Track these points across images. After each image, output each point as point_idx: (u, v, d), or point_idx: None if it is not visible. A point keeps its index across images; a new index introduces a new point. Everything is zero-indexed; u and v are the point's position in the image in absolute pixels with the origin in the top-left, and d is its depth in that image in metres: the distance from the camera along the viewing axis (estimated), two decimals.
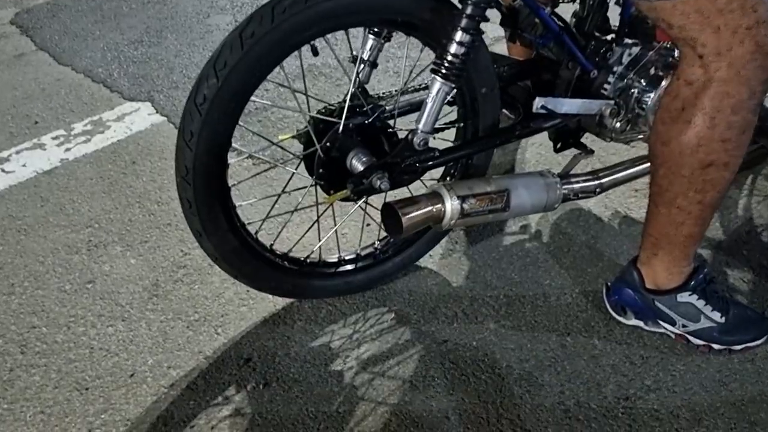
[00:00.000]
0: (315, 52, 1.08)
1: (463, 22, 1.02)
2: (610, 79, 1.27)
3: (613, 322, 1.30)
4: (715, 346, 1.25)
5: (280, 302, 1.33)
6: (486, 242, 1.49)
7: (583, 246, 1.48)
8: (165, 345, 1.25)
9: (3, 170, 1.69)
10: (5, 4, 2.57)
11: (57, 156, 1.74)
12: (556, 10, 1.26)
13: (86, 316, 1.30)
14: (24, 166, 1.70)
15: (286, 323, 1.29)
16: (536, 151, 1.76)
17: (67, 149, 1.77)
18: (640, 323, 1.29)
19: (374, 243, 1.34)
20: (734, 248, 1.48)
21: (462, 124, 1.24)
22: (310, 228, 1.32)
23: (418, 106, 1.17)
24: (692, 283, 1.23)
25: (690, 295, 1.23)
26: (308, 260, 1.28)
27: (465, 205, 1.08)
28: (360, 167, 1.10)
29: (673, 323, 1.25)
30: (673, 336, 1.27)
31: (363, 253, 1.33)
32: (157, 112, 1.92)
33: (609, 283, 1.31)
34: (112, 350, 1.24)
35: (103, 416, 1.13)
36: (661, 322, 1.27)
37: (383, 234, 1.33)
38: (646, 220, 1.19)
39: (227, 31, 2.31)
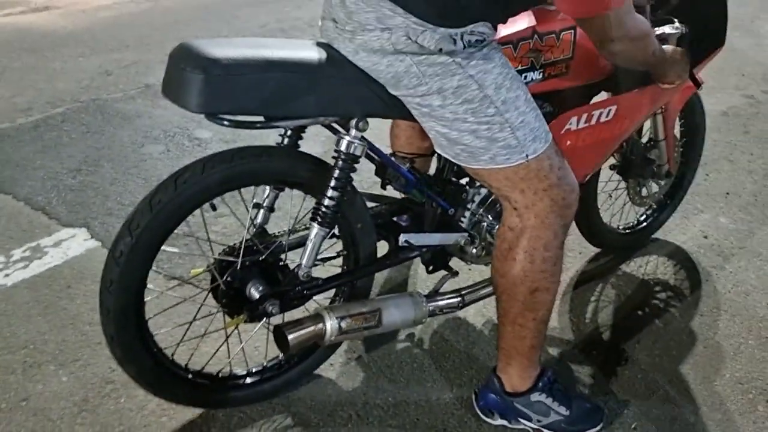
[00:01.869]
0: (213, 207, 1.34)
1: (333, 181, 1.32)
2: (466, 214, 1.59)
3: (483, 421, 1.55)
4: None
5: (197, 411, 1.52)
6: (380, 350, 1.74)
7: (462, 352, 1.75)
8: None
9: None
10: None
11: None
12: None
13: (20, 431, 1.46)
14: None
15: (203, 431, 1.48)
16: None
17: (6, 275, 1.95)
18: (505, 422, 1.53)
19: (279, 356, 1.57)
20: (586, 348, 1.78)
21: (346, 253, 1.52)
22: (218, 349, 1.54)
23: (305, 241, 1.42)
24: (540, 384, 1.50)
25: (540, 394, 1.50)
26: (220, 374, 1.49)
27: (343, 324, 1.34)
28: (256, 296, 1.35)
29: (530, 419, 1.51)
30: (531, 431, 1.52)
31: (269, 365, 1.55)
32: (92, 237, 2.14)
33: (477, 390, 1.57)
34: None
35: None
36: (521, 420, 1.52)
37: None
38: (498, 337, 1.47)
39: (159, 160, 2.61)
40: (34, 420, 1.49)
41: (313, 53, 1.23)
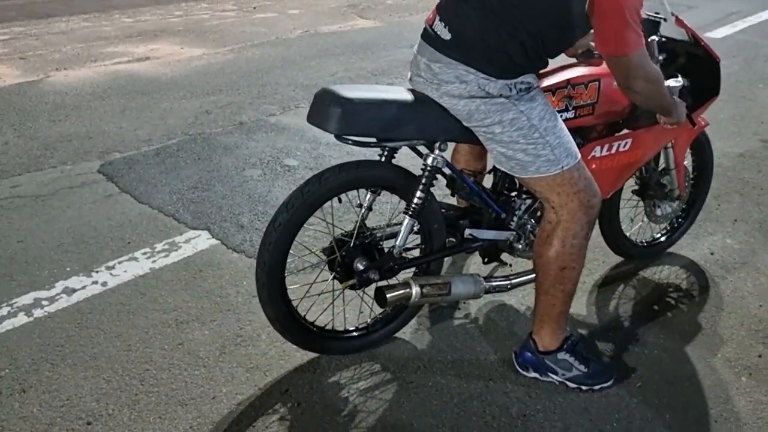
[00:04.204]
0: (339, 200, 1.88)
1: (420, 187, 1.86)
2: (514, 219, 2.10)
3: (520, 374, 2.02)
4: (583, 387, 1.97)
5: (307, 357, 2.04)
6: (441, 324, 2.24)
7: (504, 329, 2.23)
8: (233, 381, 1.95)
9: (111, 274, 2.44)
10: (91, 158, 3.44)
11: (147, 265, 2.50)
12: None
13: (180, 364, 2.01)
14: (125, 271, 2.46)
15: (310, 370, 2.01)
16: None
17: (154, 261, 2.54)
18: (537, 375, 2.00)
19: (368, 320, 2.09)
20: (606, 330, 2.25)
21: (424, 245, 2.04)
22: (326, 308, 2.09)
23: (395, 234, 1.96)
24: (565, 346, 1.97)
25: (565, 353, 1.97)
26: (327, 328, 2.02)
27: (423, 290, 1.87)
28: (361, 267, 1.89)
29: (556, 373, 1.98)
30: (557, 382, 1.99)
31: (361, 326, 2.07)
32: (213, 237, 2.72)
33: (516, 350, 2.05)
34: (199, 384, 1.94)
35: (198, 420, 1.81)
36: (549, 374, 1.99)
37: (374, 314, 2.08)
38: (534, 306, 1.96)
39: (258, 182, 3.24)
40: (189, 357, 2.04)
41: (411, 96, 1.79)
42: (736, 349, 2.18)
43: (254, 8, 7.96)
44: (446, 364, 2.06)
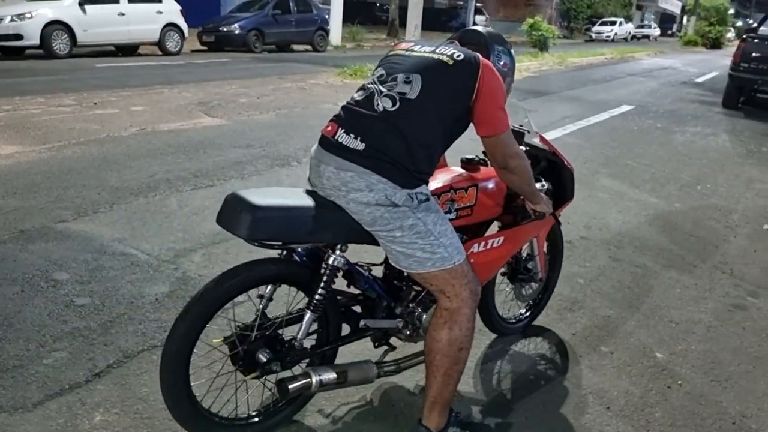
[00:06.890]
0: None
1: (322, 284, 2.01)
2: (403, 306, 2.30)
3: None
4: None
5: None
6: (327, 417, 2.33)
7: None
8: None
9: None
10: None
11: None
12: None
13: None
14: None
15: None
16: None
17: None
18: None
19: (277, 402, 2.19)
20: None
21: (320, 334, 2.19)
22: (229, 399, 2.16)
23: (293, 321, 2.09)
24: (452, 419, 2.16)
25: (454, 428, 2.16)
26: (235, 415, 2.11)
27: (322, 379, 2.02)
28: (263, 359, 2.00)
29: None
30: None
31: (264, 410, 2.17)
32: None
33: None
34: None
35: None
36: None
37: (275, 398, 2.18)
38: (427, 390, 2.08)
39: (11, 300, 3.07)
40: None
41: (315, 202, 1.94)
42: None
43: (95, 104, 7.49)
44: None
